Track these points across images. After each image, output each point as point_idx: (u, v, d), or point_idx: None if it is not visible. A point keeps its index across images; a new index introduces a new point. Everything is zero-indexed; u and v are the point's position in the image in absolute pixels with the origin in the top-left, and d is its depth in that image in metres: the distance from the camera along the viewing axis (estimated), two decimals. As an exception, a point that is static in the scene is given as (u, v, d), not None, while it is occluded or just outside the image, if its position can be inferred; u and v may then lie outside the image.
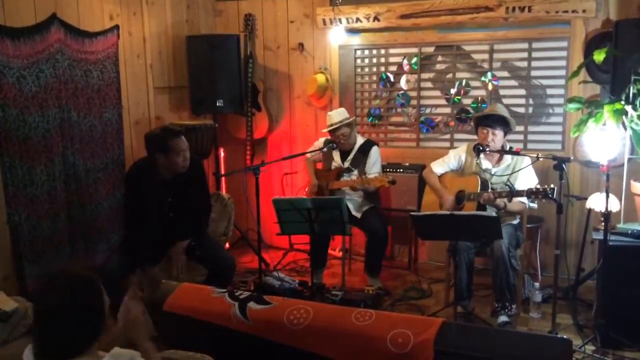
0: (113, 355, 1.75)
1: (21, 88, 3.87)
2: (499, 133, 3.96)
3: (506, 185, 3.82)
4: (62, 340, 1.71)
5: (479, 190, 3.94)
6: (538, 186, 3.64)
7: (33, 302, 1.78)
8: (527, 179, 3.91)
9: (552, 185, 3.53)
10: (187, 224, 3.83)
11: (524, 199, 3.89)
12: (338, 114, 4.61)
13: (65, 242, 4.24)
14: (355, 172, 4.59)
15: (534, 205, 3.97)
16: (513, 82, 5.02)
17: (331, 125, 4.55)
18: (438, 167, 4.26)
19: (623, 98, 3.64)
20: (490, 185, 3.98)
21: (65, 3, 4.20)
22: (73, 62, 4.26)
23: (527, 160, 3.89)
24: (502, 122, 3.97)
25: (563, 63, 4.71)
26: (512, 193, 3.74)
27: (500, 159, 4.07)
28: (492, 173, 4.03)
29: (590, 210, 4.00)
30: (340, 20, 5.18)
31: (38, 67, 3.97)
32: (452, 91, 5.16)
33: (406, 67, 5.32)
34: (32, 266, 3.98)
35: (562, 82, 4.74)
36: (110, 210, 4.59)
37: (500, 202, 3.82)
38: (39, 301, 1.76)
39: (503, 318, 3.82)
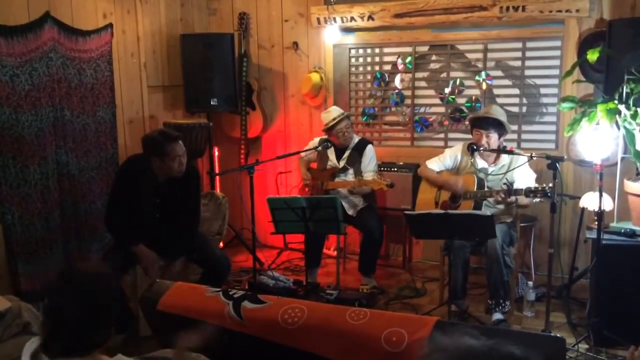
0: None
1: (14, 87, 3.85)
2: (493, 135, 3.97)
3: (504, 184, 3.84)
4: (69, 339, 1.69)
5: (475, 189, 3.95)
6: (536, 185, 3.66)
7: (47, 296, 1.76)
8: (524, 176, 3.92)
9: (550, 184, 3.54)
10: (173, 229, 3.78)
11: None
12: (335, 110, 4.61)
13: (59, 242, 4.23)
14: (351, 171, 4.59)
15: (538, 199, 3.97)
16: (507, 82, 5.03)
17: (334, 119, 4.51)
18: (434, 164, 4.26)
19: (616, 97, 3.65)
20: (486, 184, 3.99)
21: (58, 1, 4.18)
22: (66, 60, 4.25)
23: (522, 158, 3.91)
24: (496, 125, 3.98)
25: (557, 62, 4.72)
26: (510, 192, 3.75)
27: (496, 159, 4.08)
28: (489, 172, 4.04)
29: (583, 209, 4.01)
30: (334, 19, 5.17)
31: (31, 65, 3.95)
32: (447, 90, 5.16)
33: (400, 66, 5.32)
34: (26, 265, 3.96)
35: (555, 81, 4.75)
36: (103, 209, 4.57)
37: (512, 198, 3.81)
38: (53, 296, 1.74)
39: (497, 316, 3.82)
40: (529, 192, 3.65)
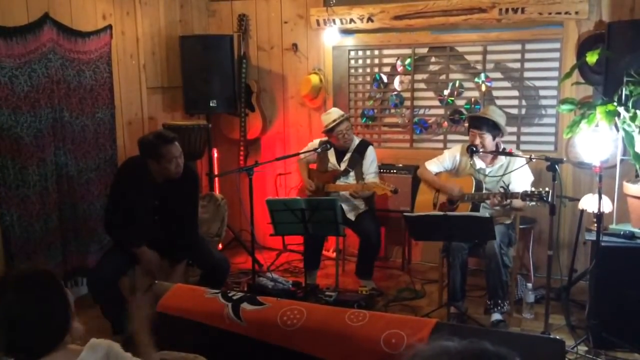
0: (90, 347, 1.69)
1: (13, 88, 3.85)
2: (487, 136, 3.96)
3: (501, 187, 3.83)
4: (29, 341, 1.65)
5: (473, 191, 3.95)
6: (533, 189, 3.65)
7: None
8: (522, 178, 3.92)
9: (547, 189, 3.53)
10: (172, 231, 3.77)
11: None
12: (335, 111, 4.61)
13: (57, 243, 4.22)
14: (352, 173, 4.58)
15: (534, 202, 3.97)
16: (506, 83, 5.03)
17: (334, 121, 4.49)
18: (433, 166, 4.26)
19: (615, 99, 3.65)
20: (484, 186, 3.98)
21: (57, 2, 4.18)
22: (66, 61, 4.24)
23: (520, 160, 3.89)
24: (491, 126, 3.97)
25: (556, 64, 4.73)
26: (507, 195, 3.74)
27: (494, 159, 4.08)
28: (486, 173, 4.04)
29: (582, 211, 4.01)
30: (334, 21, 5.17)
31: (30, 66, 3.95)
32: (446, 92, 5.17)
33: (400, 68, 5.32)
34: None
35: (554, 83, 4.75)
36: (102, 210, 4.56)
37: (507, 201, 3.82)
38: (6, 304, 1.67)
39: (496, 316, 3.83)
40: (525, 196, 3.64)
